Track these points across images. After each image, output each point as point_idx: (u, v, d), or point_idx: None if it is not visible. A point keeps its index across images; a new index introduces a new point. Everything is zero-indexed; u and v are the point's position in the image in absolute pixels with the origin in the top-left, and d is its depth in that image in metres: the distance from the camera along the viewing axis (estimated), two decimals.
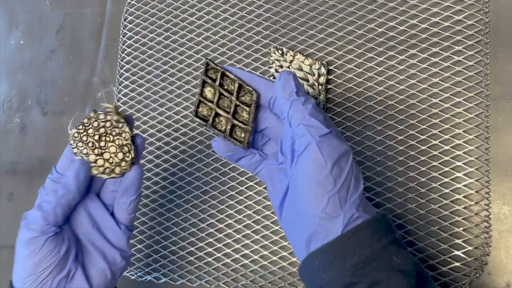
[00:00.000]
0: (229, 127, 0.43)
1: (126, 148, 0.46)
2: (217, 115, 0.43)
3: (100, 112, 0.46)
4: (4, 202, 0.68)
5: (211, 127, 0.43)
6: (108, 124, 0.46)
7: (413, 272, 0.37)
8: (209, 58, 0.44)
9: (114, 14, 0.68)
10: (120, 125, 0.46)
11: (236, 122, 0.43)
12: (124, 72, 0.65)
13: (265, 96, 0.43)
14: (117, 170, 0.46)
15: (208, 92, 0.44)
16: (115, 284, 0.47)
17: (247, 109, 0.43)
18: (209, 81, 0.44)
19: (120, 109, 0.64)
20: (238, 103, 0.43)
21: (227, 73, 0.44)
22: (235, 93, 0.43)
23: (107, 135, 0.46)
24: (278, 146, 0.42)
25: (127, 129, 0.46)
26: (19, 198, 0.68)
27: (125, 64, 0.65)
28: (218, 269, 0.56)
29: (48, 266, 0.43)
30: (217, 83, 0.43)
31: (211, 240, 0.57)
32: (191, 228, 0.58)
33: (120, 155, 0.46)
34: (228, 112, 0.43)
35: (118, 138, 0.46)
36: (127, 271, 0.59)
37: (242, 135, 0.43)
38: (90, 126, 0.46)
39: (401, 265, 0.36)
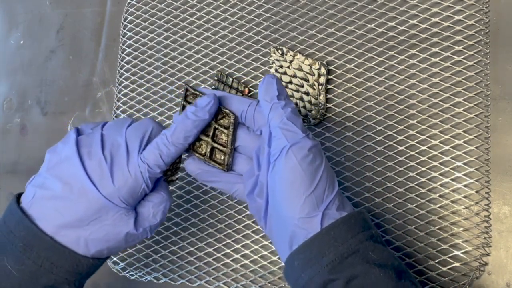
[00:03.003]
0: (208, 150, 0.43)
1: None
2: (198, 139, 0.44)
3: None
4: (4, 202, 0.68)
5: (193, 151, 0.44)
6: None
7: (390, 265, 0.37)
8: (187, 84, 0.45)
9: (114, 14, 0.68)
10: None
11: (215, 145, 0.43)
12: (124, 72, 0.65)
13: (237, 111, 0.44)
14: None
15: None
16: None
17: (226, 131, 0.44)
18: (188, 106, 0.44)
19: (120, 109, 0.64)
20: (216, 126, 0.44)
21: None
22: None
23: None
24: (254, 160, 0.42)
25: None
26: None
27: (125, 64, 0.65)
28: (218, 269, 0.56)
29: None
30: None
31: (211, 240, 0.57)
32: (191, 228, 0.58)
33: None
34: (207, 136, 0.44)
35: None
36: (126, 270, 0.59)
37: (222, 158, 0.44)
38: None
39: (378, 259, 0.37)
